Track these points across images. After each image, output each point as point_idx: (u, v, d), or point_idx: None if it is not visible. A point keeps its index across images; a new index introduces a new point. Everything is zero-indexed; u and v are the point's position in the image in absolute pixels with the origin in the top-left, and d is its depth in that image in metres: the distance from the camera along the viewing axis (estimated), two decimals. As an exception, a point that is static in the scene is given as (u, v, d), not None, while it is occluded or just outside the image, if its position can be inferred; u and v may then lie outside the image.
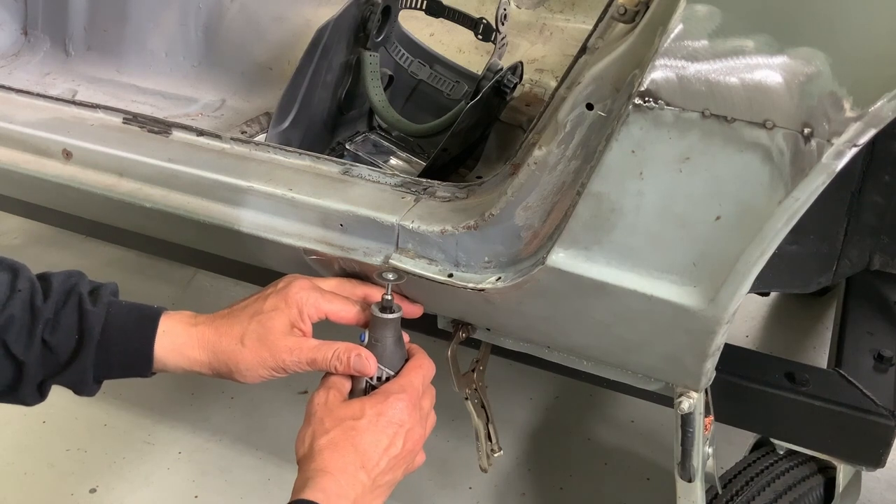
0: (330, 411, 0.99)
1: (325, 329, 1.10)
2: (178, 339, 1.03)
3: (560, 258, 1.00)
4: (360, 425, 0.97)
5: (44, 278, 1.03)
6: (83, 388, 1.03)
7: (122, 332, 1.02)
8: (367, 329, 1.07)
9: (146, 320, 1.03)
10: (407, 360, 1.07)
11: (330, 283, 1.13)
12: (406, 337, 1.09)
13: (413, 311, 1.15)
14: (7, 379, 1.00)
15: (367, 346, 1.05)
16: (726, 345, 1.05)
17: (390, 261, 1.12)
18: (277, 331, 1.03)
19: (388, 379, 1.05)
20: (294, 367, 1.03)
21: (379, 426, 0.97)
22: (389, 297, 1.06)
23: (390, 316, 1.05)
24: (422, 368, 1.06)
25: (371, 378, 1.04)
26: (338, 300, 1.10)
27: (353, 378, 1.04)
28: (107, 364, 1.02)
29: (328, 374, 1.05)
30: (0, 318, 0.97)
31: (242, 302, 1.08)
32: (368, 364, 1.03)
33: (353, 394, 1.04)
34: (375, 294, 1.13)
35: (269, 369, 1.03)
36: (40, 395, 1.03)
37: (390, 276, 1.07)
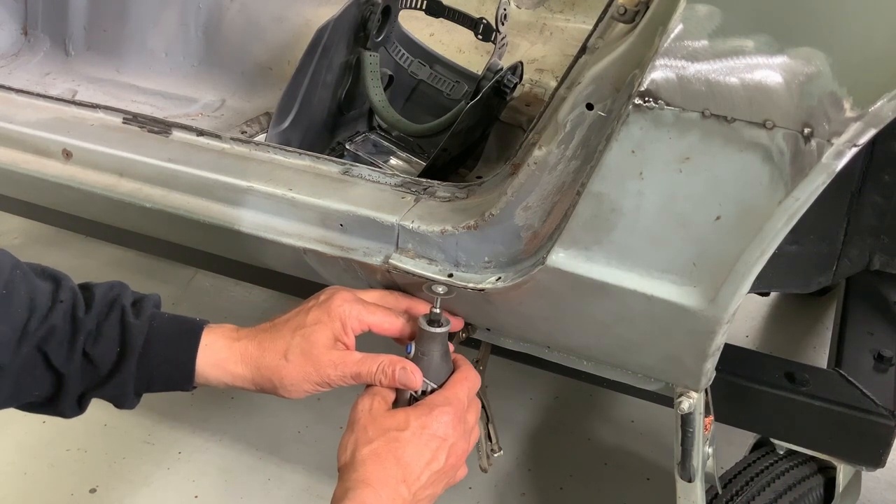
0: (374, 420, 0.98)
1: (370, 342, 1.09)
2: (220, 354, 1.02)
3: (560, 258, 1.00)
4: (404, 437, 0.95)
5: (86, 289, 1.02)
6: (124, 401, 1.02)
7: (164, 345, 1.01)
8: (412, 342, 1.06)
9: (189, 334, 1.02)
10: (452, 373, 1.05)
11: (373, 296, 1.11)
12: (451, 348, 1.08)
13: (455, 324, 1.14)
14: (47, 391, 0.99)
15: (413, 359, 1.03)
16: (726, 345, 1.05)
17: (390, 261, 1.12)
18: (321, 345, 1.02)
19: (433, 391, 1.03)
20: (338, 381, 1.02)
21: (423, 439, 0.96)
22: (438, 311, 1.04)
23: (438, 330, 1.03)
24: (467, 381, 1.04)
25: (416, 391, 1.02)
26: (381, 311, 1.08)
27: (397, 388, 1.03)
28: (148, 378, 1.01)
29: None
30: (41, 329, 0.96)
31: (284, 316, 1.07)
32: (414, 377, 1.01)
33: (397, 403, 1.02)
34: (418, 306, 1.11)
35: (314, 384, 1.02)
36: (80, 407, 1.02)
37: (440, 289, 1.05)
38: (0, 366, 0.94)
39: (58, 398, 1.00)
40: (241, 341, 1.04)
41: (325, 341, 1.02)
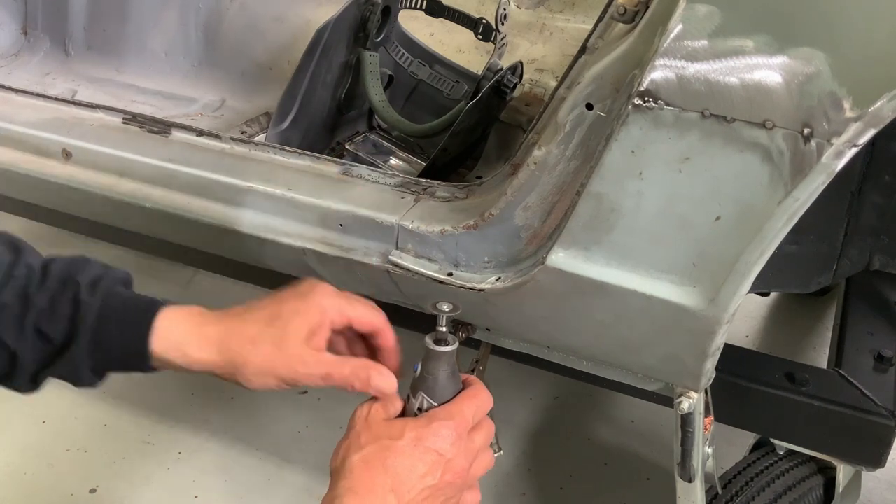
0: (369, 427, 0.95)
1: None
2: (179, 338, 0.98)
3: (560, 258, 1.00)
4: (397, 446, 0.92)
5: (45, 266, 1.00)
6: (79, 380, 0.99)
7: (116, 325, 0.97)
8: (420, 362, 1.02)
9: (141, 315, 0.98)
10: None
11: (356, 296, 1.06)
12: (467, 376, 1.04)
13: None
14: (1, 367, 0.97)
15: (418, 380, 1.00)
16: (726, 345, 1.05)
17: (390, 257, 1.12)
18: (295, 337, 0.97)
19: None
20: (306, 379, 0.98)
21: (417, 451, 0.92)
22: (444, 329, 1.00)
23: (445, 349, 0.99)
24: (476, 398, 0.99)
25: (421, 408, 0.99)
26: (362, 305, 1.03)
27: (406, 402, 1.00)
28: (103, 358, 0.98)
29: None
30: None
31: (259, 302, 1.02)
32: (390, 382, 0.97)
33: (403, 416, 0.99)
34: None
35: (279, 379, 0.98)
36: (35, 384, 1.00)
37: (445, 307, 1.00)
38: None
39: (13, 374, 0.98)
40: (206, 326, 0.99)
41: (299, 334, 0.97)
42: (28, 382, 0.99)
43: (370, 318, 1.03)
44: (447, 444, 0.94)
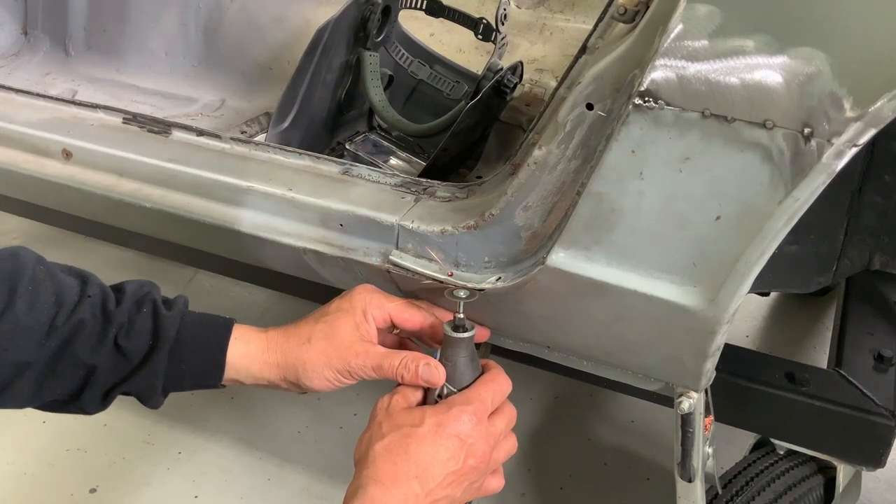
0: (390, 416, 0.97)
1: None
2: (249, 346, 1.03)
3: (560, 258, 1.00)
4: (418, 433, 0.93)
5: (117, 287, 1.03)
6: (151, 395, 1.01)
7: (196, 337, 1.01)
8: (439, 349, 1.04)
9: (220, 327, 1.03)
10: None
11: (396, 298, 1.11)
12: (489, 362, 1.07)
13: (482, 333, 1.13)
14: (72, 387, 0.98)
15: None
16: (726, 345, 1.05)
17: (390, 257, 1.12)
18: (343, 331, 1.02)
19: None
20: (359, 371, 1.02)
21: (438, 437, 0.94)
22: (462, 316, 1.02)
23: (463, 335, 1.01)
24: (494, 383, 1.02)
25: (441, 394, 1.00)
26: (402, 302, 1.08)
27: (425, 391, 1.02)
28: (178, 372, 1.00)
29: (400, 383, 1.02)
30: (69, 324, 0.95)
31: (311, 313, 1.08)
32: (437, 374, 1.00)
33: (424, 404, 1.01)
34: (441, 312, 1.10)
35: (335, 371, 1.02)
36: (103, 403, 1.01)
37: (462, 294, 1.03)
38: (27, 362, 0.94)
39: (82, 392, 0.99)
40: (269, 332, 1.05)
41: (347, 328, 1.02)
42: (98, 400, 1.00)
43: (409, 314, 1.08)
44: (467, 428, 0.95)
